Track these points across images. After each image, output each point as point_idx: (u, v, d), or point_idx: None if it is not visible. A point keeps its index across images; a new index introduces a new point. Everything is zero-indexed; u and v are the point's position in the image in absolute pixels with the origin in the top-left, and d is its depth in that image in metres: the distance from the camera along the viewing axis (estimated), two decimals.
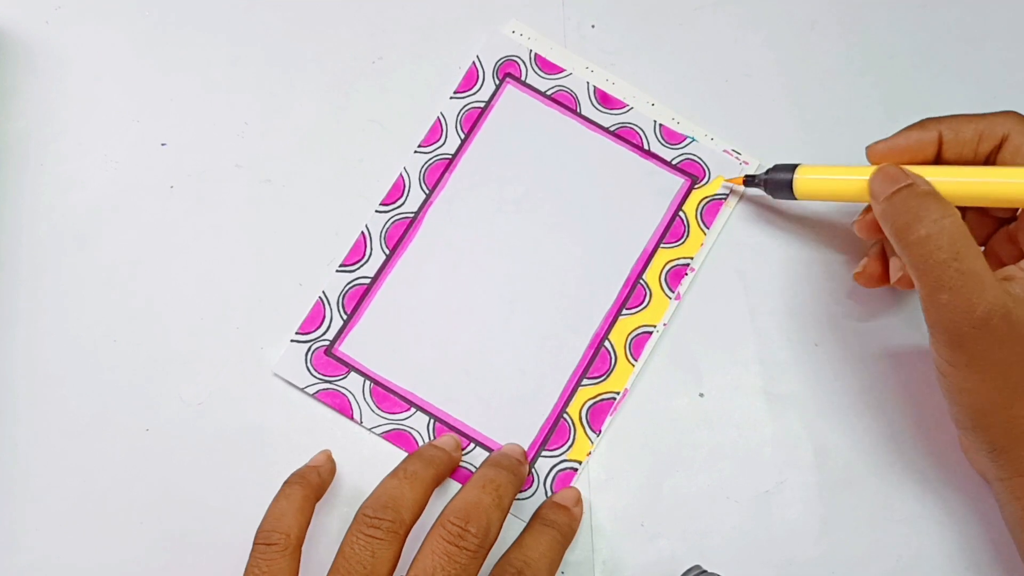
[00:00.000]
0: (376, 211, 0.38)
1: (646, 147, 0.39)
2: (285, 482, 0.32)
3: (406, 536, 0.30)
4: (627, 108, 0.40)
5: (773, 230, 0.39)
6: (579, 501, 0.34)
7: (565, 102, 0.40)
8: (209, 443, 0.36)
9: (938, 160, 0.33)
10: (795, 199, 0.36)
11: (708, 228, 0.38)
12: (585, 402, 0.36)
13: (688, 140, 0.39)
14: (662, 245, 0.38)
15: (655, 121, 0.39)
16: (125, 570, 0.35)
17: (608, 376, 0.36)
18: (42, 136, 0.39)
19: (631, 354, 0.37)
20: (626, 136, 0.39)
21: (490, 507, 0.30)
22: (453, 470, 0.35)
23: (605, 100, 0.40)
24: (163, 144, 0.40)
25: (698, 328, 0.37)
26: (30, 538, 0.35)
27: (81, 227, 0.38)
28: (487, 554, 0.30)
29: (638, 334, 0.37)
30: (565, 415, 0.36)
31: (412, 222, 0.38)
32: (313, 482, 0.33)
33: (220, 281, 0.38)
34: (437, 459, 0.33)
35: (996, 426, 0.30)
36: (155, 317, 0.37)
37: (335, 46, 0.41)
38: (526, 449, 0.35)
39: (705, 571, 0.33)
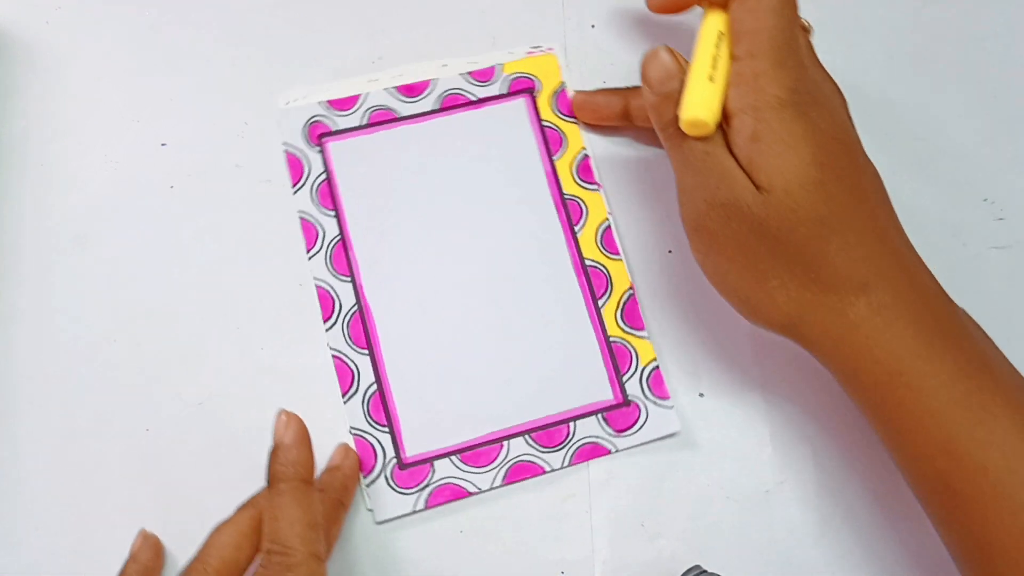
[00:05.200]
0: (308, 260, 0.38)
1: (474, 99, 0.40)
2: None
3: None
4: (431, 83, 0.40)
5: None
6: (348, 455, 0.35)
7: (383, 119, 0.39)
8: (209, 443, 0.36)
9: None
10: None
11: (572, 117, 0.40)
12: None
13: (497, 68, 0.40)
14: (555, 160, 0.39)
15: (460, 74, 0.40)
16: None
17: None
18: (42, 136, 0.39)
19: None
20: (452, 104, 0.40)
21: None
22: None
23: (409, 91, 0.40)
24: (163, 144, 0.40)
25: (698, 328, 0.37)
26: (30, 538, 0.35)
27: (81, 227, 0.38)
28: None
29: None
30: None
31: (344, 245, 0.38)
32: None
33: (220, 281, 0.38)
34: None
35: (757, 304, 0.32)
36: (155, 317, 0.37)
37: (335, 46, 0.41)
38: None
39: (705, 571, 0.33)
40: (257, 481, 0.32)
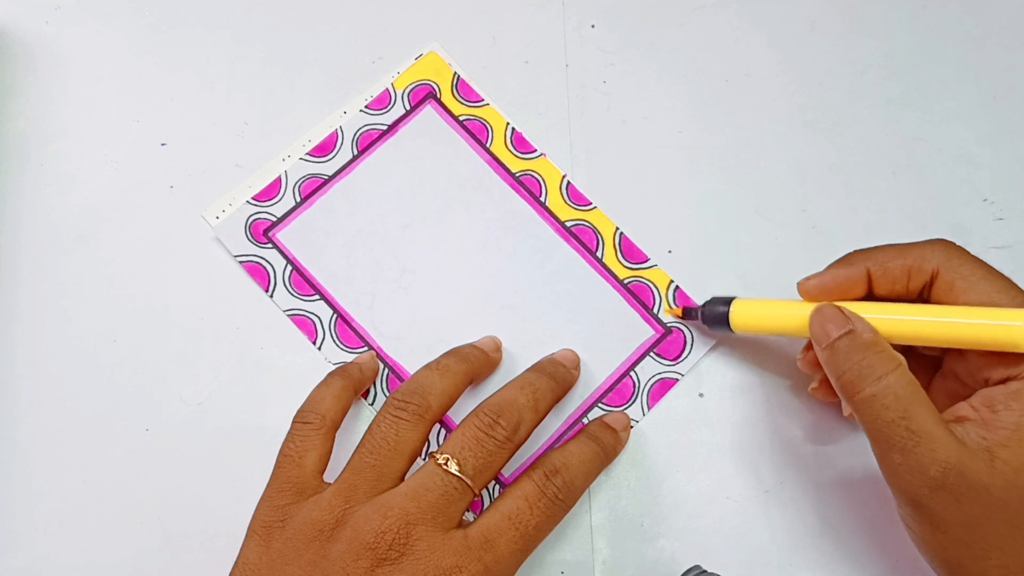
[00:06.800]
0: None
1: (385, 128, 0.39)
2: (328, 373, 0.34)
3: (432, 423, 0.31)
4: (338, 133, 0.39)
5: (770, 229, 0.39)
6: (628, 427, 0.35)
7: (314, 187, 0.38)
8: (209, 443, 0.36)
9: (870, 295, 0.31)
10: (733, 332, 0.34)
11: (480, 102, 0.39)
12: None
13: (390, 89, 0.39)
14: (488, 147, 0.39)
15: (360, 111, 0.39)
16: (125, 570, 0.35)
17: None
18: (42, 136, 0.39)
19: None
20: (368, 142, 0.39)
21: (524, 407, 0.31)
22: (491, 370, 0.36)
23: (322, 150, 0.39)
24: (163, 144, 0.40)
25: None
26: (30, 538, 0.35)
27: (81, 227, 0.38)
28: (515, 449, 0.31)
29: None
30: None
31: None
32: (354, 375, 0.34)
33: (219, 280, 0.38)
34: (472, 356, 0.34)
35: None
36: (155, 317, 0.37)
37: (335, 46, 0.41)
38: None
39: (705, 571, 0.33)
40: (257, 481, 0.32)
